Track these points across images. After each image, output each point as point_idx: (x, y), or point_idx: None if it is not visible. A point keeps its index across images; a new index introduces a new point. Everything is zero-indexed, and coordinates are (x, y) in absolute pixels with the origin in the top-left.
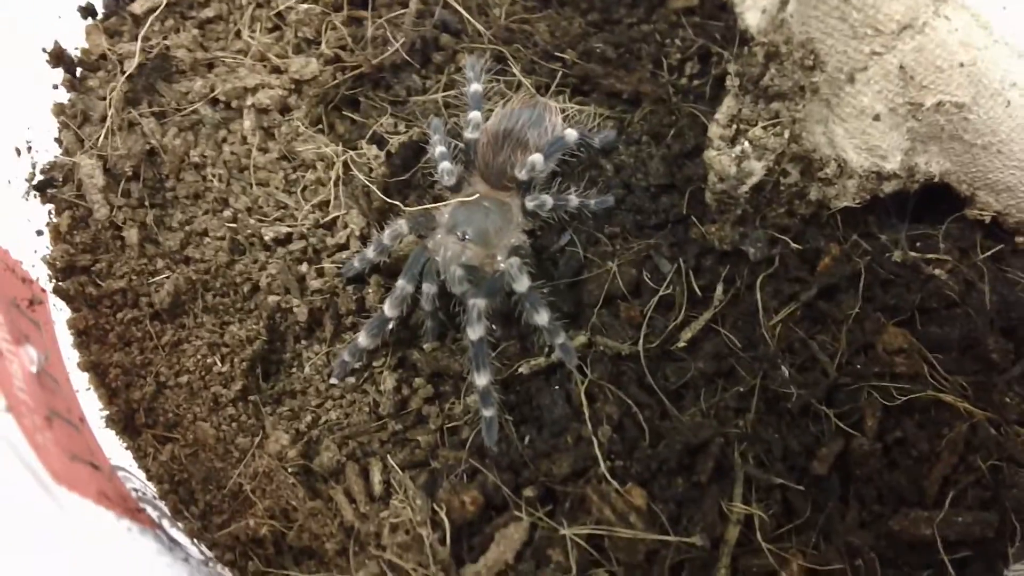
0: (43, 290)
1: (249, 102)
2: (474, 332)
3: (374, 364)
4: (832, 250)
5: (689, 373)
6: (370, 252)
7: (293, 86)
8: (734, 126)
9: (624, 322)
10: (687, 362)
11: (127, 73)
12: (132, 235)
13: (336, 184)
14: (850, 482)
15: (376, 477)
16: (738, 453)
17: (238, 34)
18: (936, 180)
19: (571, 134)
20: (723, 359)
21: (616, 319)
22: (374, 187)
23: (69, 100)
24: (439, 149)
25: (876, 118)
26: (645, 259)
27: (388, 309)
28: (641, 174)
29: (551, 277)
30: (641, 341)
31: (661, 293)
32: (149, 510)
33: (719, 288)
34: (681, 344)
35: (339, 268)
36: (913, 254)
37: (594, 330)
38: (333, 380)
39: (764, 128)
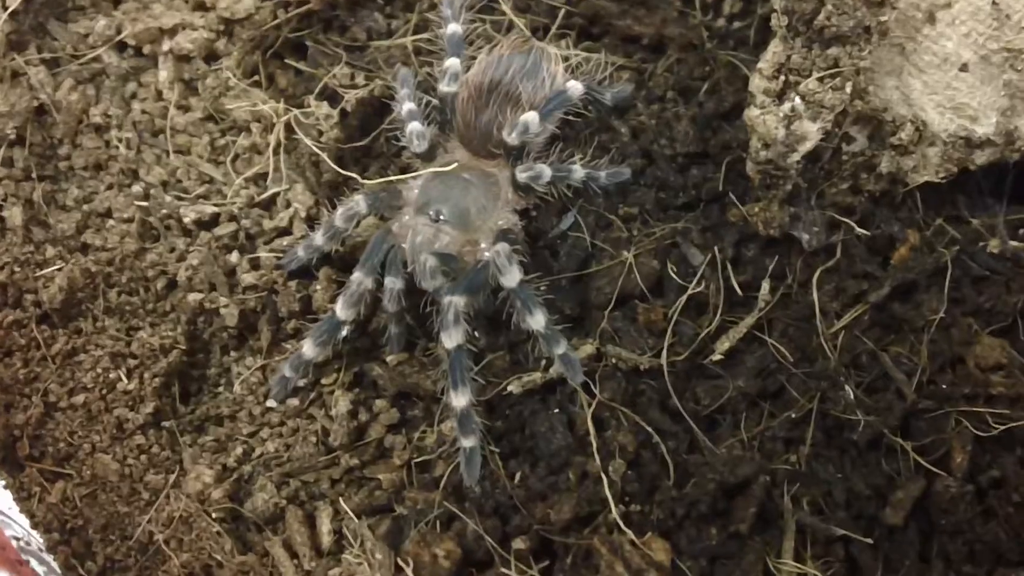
0: None
1: (166, 47)
2: (451, 339)
3: (323, 381)
4: (909, 237)
5: (726, 393)
6: (318, 238)
7: (222, 27)
8: (782, 78)
9: (643, 328)
10: (723, 379)
11: (10, 9)
12: (15, 215)
13: (276, 151)
14: (933, 534)
15: (325, 525)
16: (788, 496)
17: None
18: None
19: (575, 87)
20: (770, 376)
21: (632, 324)
22: (324, 155)
23: None
24: (407, 107)
25: (963, 68)
26: (670, 248)
27: (341, 310)
28: (665, 139)
29: (550, 270)
30: (664, 352)
31: (690, 291)
32: (34, 564)
33: (765, 285)
34: (716, 356)
35: (279, 258)
36: (1014, 243)
37: (604, 338)
38: (270, 402)
39: (820, 80)
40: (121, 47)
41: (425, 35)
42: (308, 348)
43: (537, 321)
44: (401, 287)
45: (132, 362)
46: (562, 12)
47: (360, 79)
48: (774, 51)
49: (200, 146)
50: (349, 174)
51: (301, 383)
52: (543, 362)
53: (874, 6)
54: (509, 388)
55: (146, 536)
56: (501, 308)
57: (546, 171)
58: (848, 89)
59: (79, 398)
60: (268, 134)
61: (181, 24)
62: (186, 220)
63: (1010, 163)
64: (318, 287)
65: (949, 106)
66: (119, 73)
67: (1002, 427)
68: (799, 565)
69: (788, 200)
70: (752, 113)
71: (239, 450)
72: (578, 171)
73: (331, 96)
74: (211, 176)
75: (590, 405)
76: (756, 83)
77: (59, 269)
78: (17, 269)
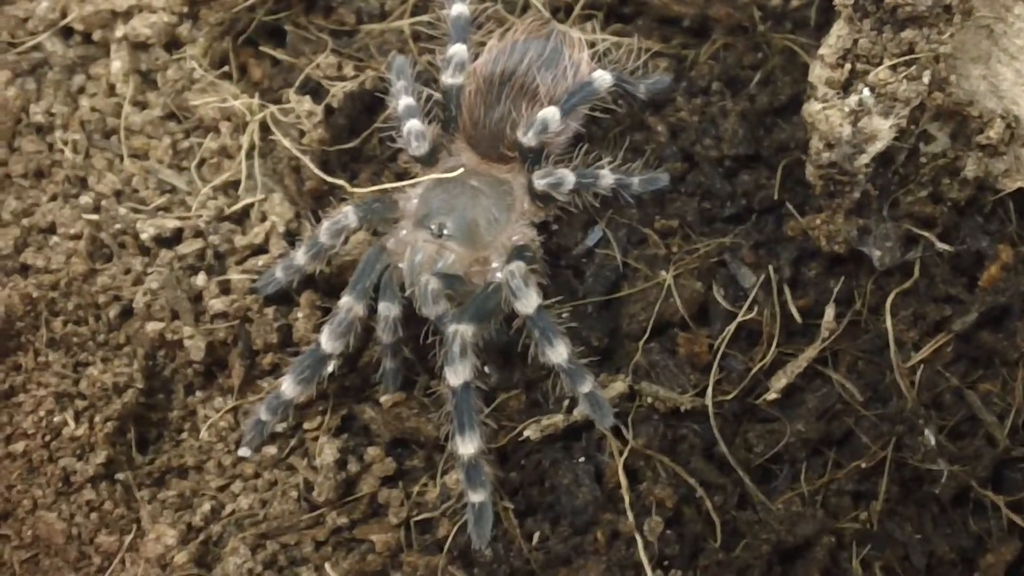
0: None
1: (119, 33)
2: (456, 376)
3: (305, 426)
4: (1001, 254)
5: (783, 439)
6: (300, 257)
7: (186, 9)
8: (848, 66)
9: (684, 362)
10: (780, 423)
11: None
12: None
13: (249, 155)
14: None
15: None
16: (857, 560)
17: None
18: None
19: (603, 78)
20: (835, 419)
21: (672, 357)
22: (306, 159)
23: None
24: (404, 102)
25: None
26: (716, 267)
27: (327, 342)
28: (710, 139)
29: (573, 293)
30: (710, 390)
31: (740, 318)
32: None
33: (829, 311)
34: (771, 396)
35: (253, 281)
36: None
37: (639, 373)
38: (243, 450)
39: (893, 68)
40: (67, 33)
41: (425, 17)
42: (288, 387)
43: (558, 354)
44: (398, 314)
45: (80, 404)
46: None
47: (348, 69)
48: (838, 34)
49: (160, 149)
50: (336, 181)
51: (279, 428)
52: (566, 403)
53: None
54: (526, 433)
55: None
56: (516, 339)
57: (569, 177)
58: (926, 79)
59: (18, 446)
60: (240, 135)
61: (137, 6)
62: (143, 236)
63: None
64: (299, 315)
65: None
66: (64, 64)
67: None
68: None
69: (856, 210)
70: (813, 107)
71: (207, 507)
72: (607, 177)
73: (314, 90)
74: (173, 184)
75: (621, 453)
76: (817, 72)
77: None
78: None
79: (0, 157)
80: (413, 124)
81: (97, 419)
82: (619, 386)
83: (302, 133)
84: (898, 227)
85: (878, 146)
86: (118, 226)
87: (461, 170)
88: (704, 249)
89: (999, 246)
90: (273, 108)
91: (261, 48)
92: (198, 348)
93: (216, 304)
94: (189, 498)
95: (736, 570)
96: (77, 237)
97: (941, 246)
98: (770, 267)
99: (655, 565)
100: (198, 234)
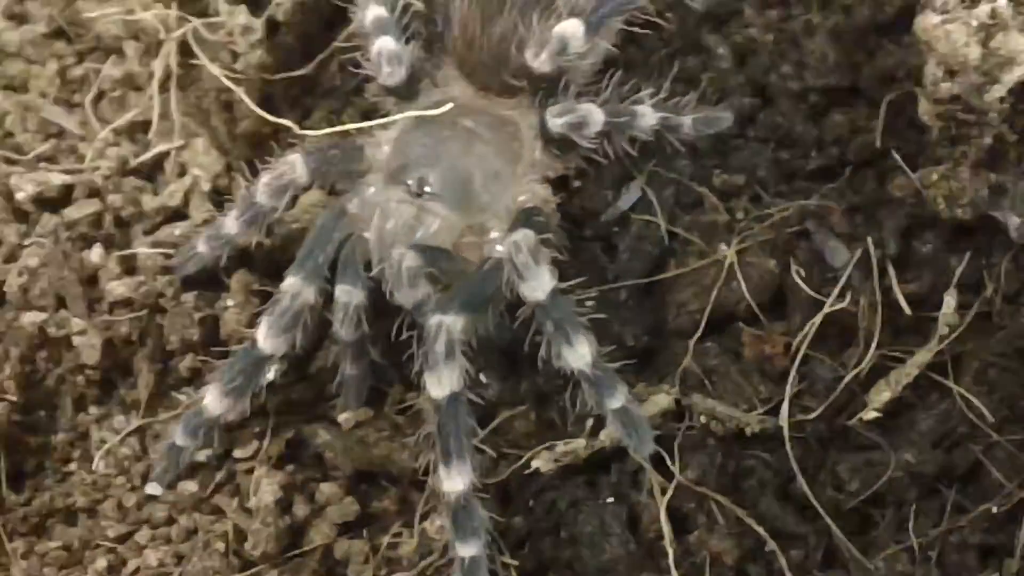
0: None
1: None
2: (440, 385)
3: (237, 455)
4: None
5: (885, 473)
6: (231, 224)
7: None
8: None
9: (751, 367)
10: (882, 451)
11: None
12: None
13: (164, 87)
14: None
15: None
16: None
17: None
18: None
19: None
20: (957, 446)
21: (734, 361)
22: (241, 91)
23: None
24: (374, 13)
25: None
26: (796, 239)
27: (266, 339)
28: (790, 67)
29: (602, 273)
30: (786, 406)
31: (828, 309)
32: None
33: (949, 299)
34: (870, 414)
35: (169, 257)
36: None
37: (689, 383)
38: (153, 487)
39: None
40: None
41: None
42: (213, 400)
43: (580, 356)
44: (362, 301)
45: None
46: None
47: None
48: None
49: (43, 78)
50: (280, 121)
51: (202, 457)
52: (589, 423)
53: None
54: (535, 464)
55: None
56: (522, 336)
57: (596, 115)
58: None
59: None
60: (151, 59)
61: None
62: (19, 196)
63: None
64: (230, 302)
65: None
66: None
67: None
68: None
69: (987, 162)
70: (929, 21)
71: (102, 563)
72: (648, 115)
73: None
74: (60, 126)
75: (665, 491)
76: None
77: None
78: None
79: None
80: (385, 43)
81: None
82: (663, 400)
83: (235, 56)
84: None
85: (1016, 74)
86: None
87: (450, 106)
88: (780, 215)
89: None
90: (197, 22)
91: None
92: (92, 348)
93: (117, 288)
94: (79, 551)
95: None
96: None
97: None
98: (869, 239)
99: None
100: (93, 193)
